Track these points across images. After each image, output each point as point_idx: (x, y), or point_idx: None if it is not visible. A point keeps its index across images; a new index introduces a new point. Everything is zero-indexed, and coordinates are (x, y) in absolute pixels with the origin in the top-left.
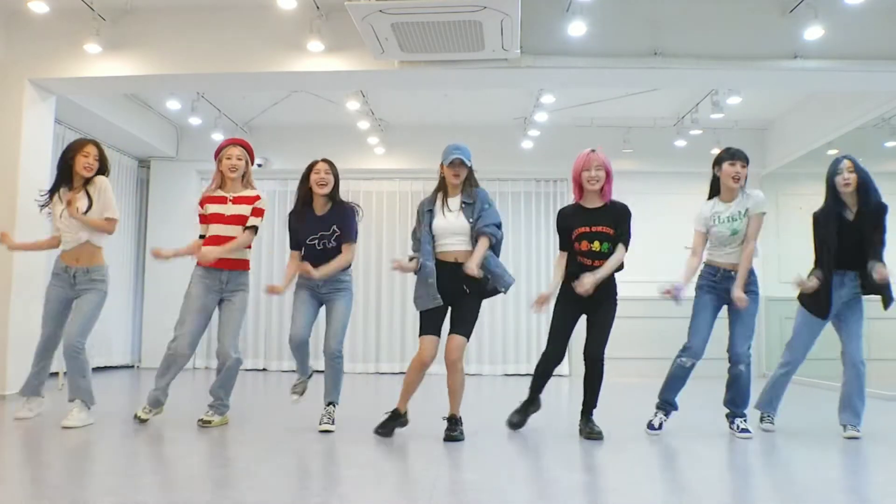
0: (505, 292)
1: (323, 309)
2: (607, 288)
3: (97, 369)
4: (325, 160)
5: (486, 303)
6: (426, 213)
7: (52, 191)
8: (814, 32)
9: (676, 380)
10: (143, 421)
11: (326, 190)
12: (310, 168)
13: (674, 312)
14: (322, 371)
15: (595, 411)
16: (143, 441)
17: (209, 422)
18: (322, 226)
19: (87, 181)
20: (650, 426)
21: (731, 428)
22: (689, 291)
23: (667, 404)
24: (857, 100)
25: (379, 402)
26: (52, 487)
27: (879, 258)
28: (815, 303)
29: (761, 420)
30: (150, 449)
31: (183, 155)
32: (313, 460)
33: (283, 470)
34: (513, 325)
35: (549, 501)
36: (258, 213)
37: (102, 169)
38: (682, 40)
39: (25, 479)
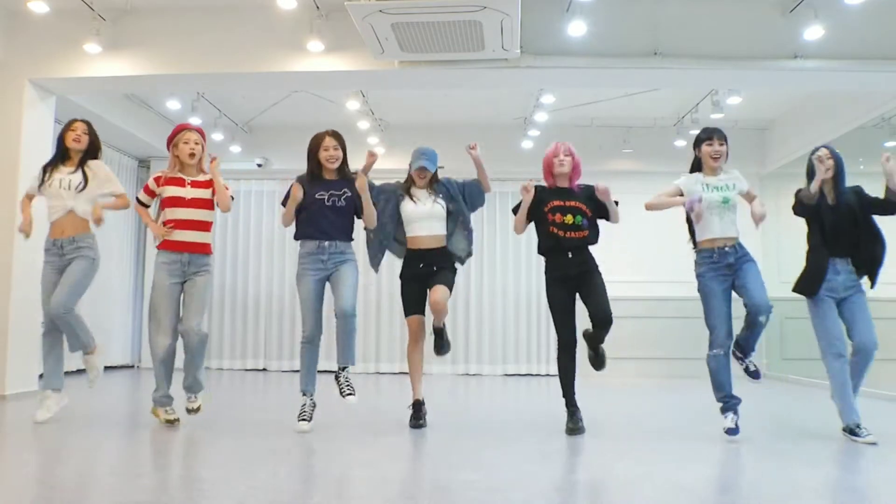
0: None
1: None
2: (588, 261)
3: None
4: (331, 134)
5: (486, 303)
6: (399, 195)
7: (47, 166)
8: (814, 32)
9: (720, 373)
10: (174, 421)
11: (337, 164)
12: (317, 143)
13: (674, 312)
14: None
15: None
16: (143, 441)
17: (196, 408)
18: (333, 187)
19: (83, 161)
20: (728, 431)
21: (742, 364)
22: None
23: (728, 399)
24: (857, 100)
25: (379, 402)
26: (51, 487)
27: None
28: (806, 281)
29: (857, 434)
30: (150, 449)
31: None
32: (313, 460)
33: (282, 470)
34: (513, 325)
35: (549, 501)
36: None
37: (94, 147)
38: (682, 40)
39: (25, 479)
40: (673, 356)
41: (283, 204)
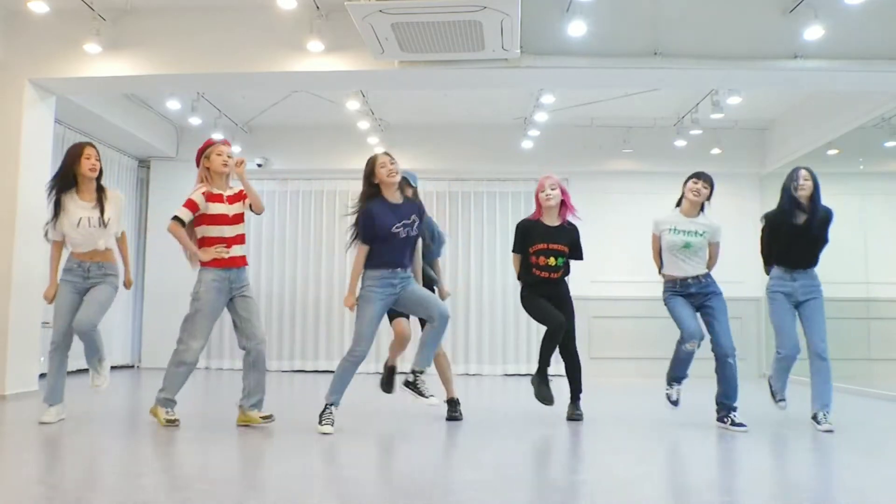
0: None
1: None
2: (565, 292)
3: None
4: (385, 153)
5: (486, 303)
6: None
7: (58, 198)
8: (814, 32)
9: (686, 363)
10: (175, 421)
11: (398, 178)
12: (373, 163)
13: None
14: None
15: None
16: (143, 441)
17: (268, 416)
18: (402, 214)
19: (101, 190)
20: (671, 400)
21: (723, 422)
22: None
23: (680, 379)
24: (857, 100)
25: (379, 402)
26: (52, 487)
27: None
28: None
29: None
30: (150, 449)
31: (183, 155)
32: (313, 461)
33: (282, 470)
34: (513, 325)
35: (549, 501)
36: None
37: (101, 172)
38: (682, 40)
39: (25, 479)
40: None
41: (362, 241)
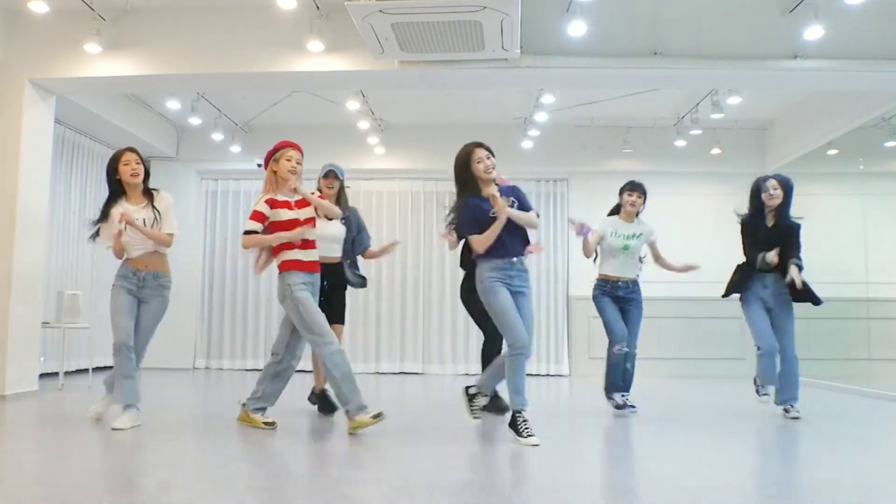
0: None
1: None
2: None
3: (97, 369)
4: (479, 144)
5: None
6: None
7: (107, 207)
8: (814, 32)
9: (616, 367)
10: (273, 424)
11: (495, 174)
12: (468, 156)
13: (675, 313)
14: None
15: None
16: (143, 441)
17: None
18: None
19: (150, 193)
20: (616, 406)
21: (612, 400)
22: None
23: (612, 389)
24: (857, 100)
25: (379, 402)
26: (52, 487)
27: (796, 262)
28: (734, 285)
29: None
30: (150, 449)
31: (183, 155)
32: (313, 461)
33: (282, 470)
34: None
35: (549, 501)
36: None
37: (147, 173)
38: (682, 40)
39: (25, 479)
40: (673, 356)
41: (469, 230)
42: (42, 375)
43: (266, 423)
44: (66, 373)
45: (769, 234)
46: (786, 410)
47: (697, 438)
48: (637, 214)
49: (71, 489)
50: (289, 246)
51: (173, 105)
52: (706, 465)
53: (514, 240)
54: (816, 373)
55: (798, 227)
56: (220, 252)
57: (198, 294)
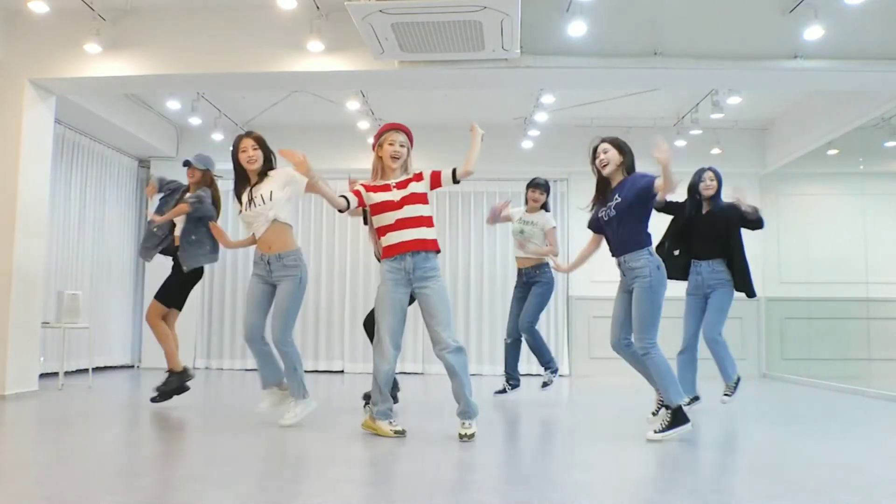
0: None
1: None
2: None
3: (97, 369)
4: (603, 139)
5: (485, 303)
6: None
7: (238, 193)
8: (814, 32)
9: (509, 355)
10: (403, 432)
11: (612, 168)
12: (595, 153)
13: (675, 313)
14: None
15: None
16: (143, 441)
17: (471, 434)
18: (610, 197)
19: (265, 175)
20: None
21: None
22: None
23: (509, 377)
24: (857, 100)
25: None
26: (52, 487)
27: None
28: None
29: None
30: (150, 449)
31: (183, 155)
32: (313, 461)
33: (282, 469)
34: None
35: (548, 501)
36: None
37: (268, 158)
38: (682, 40)
39: (25, 479)
40: (672, 356)
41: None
42: (42, 375)
43: (396, 432)
44: (66, 373)
45: (705, 220)
46: (725, 394)
47: (697, 438)
48: (544, 207)
49: (71, 489)
50: (380, 233)
51: (173, 105)
52: (706, 465)
53: (617, 236)
54: (816, 373)
55: (731, 203)
56: (221, 252)
57: (198, 294)
